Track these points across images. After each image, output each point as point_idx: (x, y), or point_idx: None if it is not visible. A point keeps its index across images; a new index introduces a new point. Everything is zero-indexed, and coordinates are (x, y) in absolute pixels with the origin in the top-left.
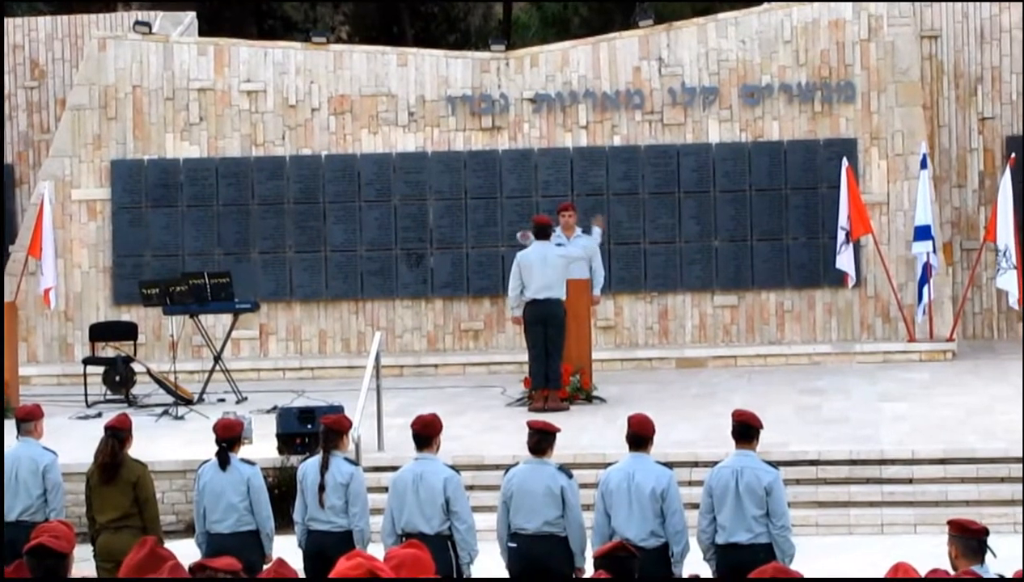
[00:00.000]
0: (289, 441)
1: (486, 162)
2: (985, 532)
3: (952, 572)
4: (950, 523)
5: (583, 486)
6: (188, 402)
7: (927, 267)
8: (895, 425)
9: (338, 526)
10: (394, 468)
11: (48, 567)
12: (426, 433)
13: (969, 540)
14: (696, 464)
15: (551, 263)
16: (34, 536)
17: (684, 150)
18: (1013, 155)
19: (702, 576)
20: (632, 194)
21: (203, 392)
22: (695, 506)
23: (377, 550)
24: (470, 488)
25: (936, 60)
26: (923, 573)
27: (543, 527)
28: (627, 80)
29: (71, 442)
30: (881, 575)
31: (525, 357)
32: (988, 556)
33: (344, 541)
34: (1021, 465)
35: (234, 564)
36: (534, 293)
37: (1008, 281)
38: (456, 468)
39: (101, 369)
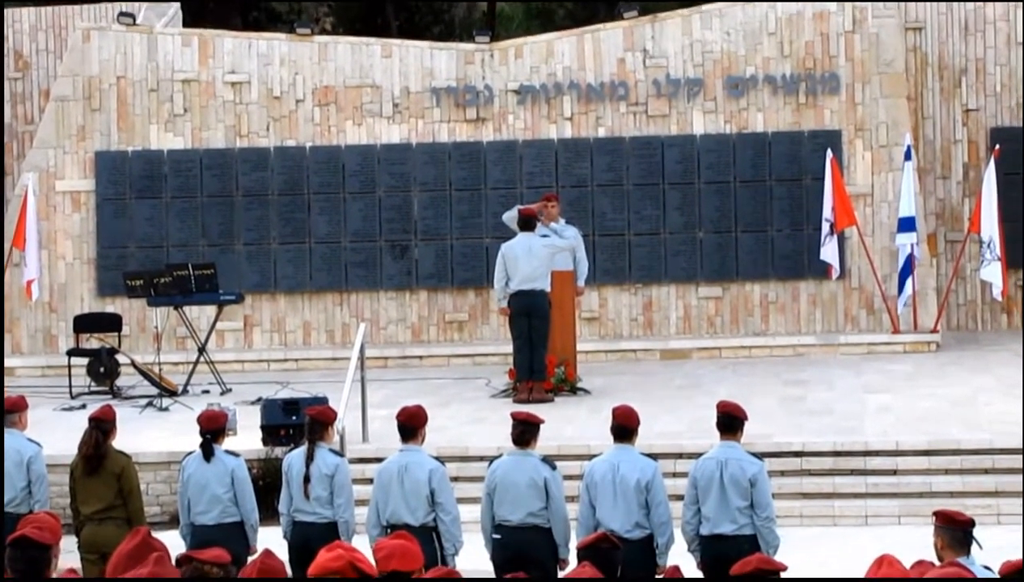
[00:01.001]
0: (273, 432)
1: (470, 154)
2: (971, 523)
3: (937, 563)
4: (936, 514)
5: (568, 478)
6: (172, 393)
7: (911, 259)
8: (879, 416)
9: (323, 517)
10: (379, 460)
11: (31, 558)
12: (411, 424)
13: (955, 531)
14: (680, 456)
15: (536, 254)
16: (19, 527)
17: (668, 142)
18: (997, 146)
19: (683, 568)
20: (616, 185)
21: (187, 384)
22: (679, 497)
23: (362, 541)
24: (454, 479)
25: (920, 52)
26: (908, 564)
27: (527, 518)
28: (611, 72)
29: (55, 434)
30: (866, 565)
31: (510, 348)
32: (974, 547)
33: (329, 532)
34: (1021, 456)
35: (223, 556)
36: (519, 284)
37: (992, 272)
38: (441, 459)
39: (85, 360)
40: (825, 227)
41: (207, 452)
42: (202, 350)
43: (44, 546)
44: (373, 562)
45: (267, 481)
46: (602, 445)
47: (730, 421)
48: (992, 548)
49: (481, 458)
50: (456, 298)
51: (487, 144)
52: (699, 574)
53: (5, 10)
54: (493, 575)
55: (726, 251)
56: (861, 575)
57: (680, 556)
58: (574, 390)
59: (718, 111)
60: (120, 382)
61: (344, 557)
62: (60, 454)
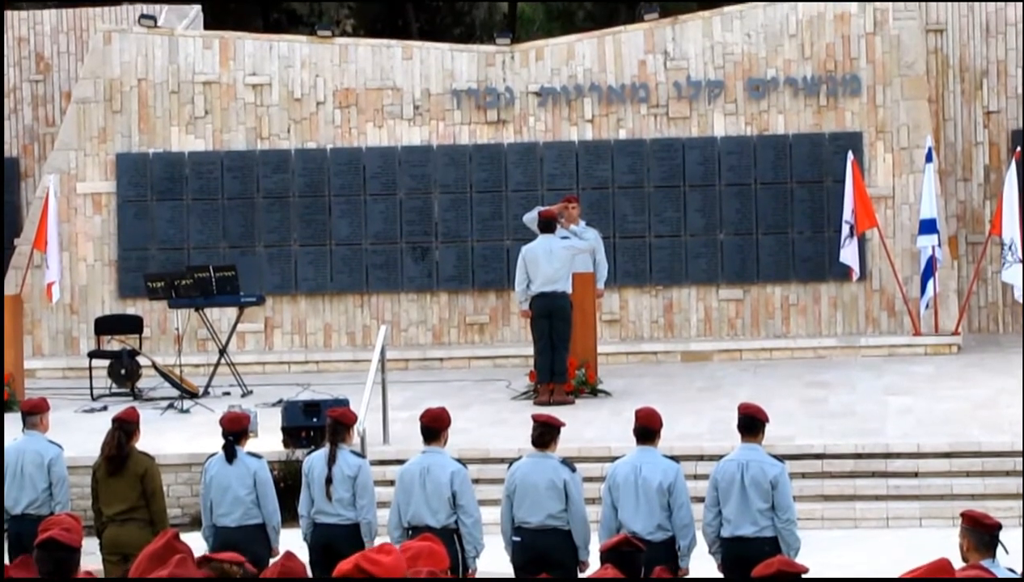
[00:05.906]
0: (295, 434)
1: (491, 156)
2: (998, 527)
3: (962, 564)
4: (964, 516)
5: (589, 480)
6: (193, 395)
7: (932, 261)
8: (901, 418)
9: (346, 519)
10: (399, 461)
11: (59, 560)
12: (435, 426)
13: (982, 534)
14: (702, 457)
15: (557, 256)
16: (43, 529)
17: (689, 144)
18: (1019, 149)
19: (705, 570)
20: (637, 187)
21: (208, 385)
22: (701, 499)
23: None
24: (475, 481)
25: (941, 54)
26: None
27: (546, 521)
28: (632, 73)
29: (76, 435)
30: (887, 568)
31: (531, 350)
32: (999, 551)
33: (352, 534)
34: (1022, 459)
35: (236, 558)
36: (540, 286)
37: (1013, 275)
38: (463, 461)
39: (106, 362)
40: (845, 229)
41: (230, 454)
42: (223, 352)
43: (72, 548)
44: None
45: (288, 483)
46: (623, 447)
47: (751, 423)
48: (1013, 551)
49: (502, 460)
50: (477, 300)
51: (508, 146)
52: (720, 576)
53: (26, 12)
54: (513, 577)
55: (747, 253)
56: (882, 577)
57: (702, 558)
58: (595, 392)
59: (739, 113)
60: (141, 384)
61: (352, 559)
62: (81, 456)
